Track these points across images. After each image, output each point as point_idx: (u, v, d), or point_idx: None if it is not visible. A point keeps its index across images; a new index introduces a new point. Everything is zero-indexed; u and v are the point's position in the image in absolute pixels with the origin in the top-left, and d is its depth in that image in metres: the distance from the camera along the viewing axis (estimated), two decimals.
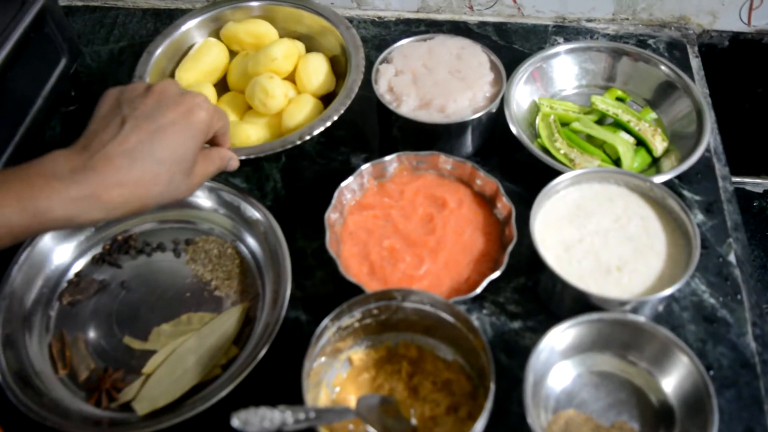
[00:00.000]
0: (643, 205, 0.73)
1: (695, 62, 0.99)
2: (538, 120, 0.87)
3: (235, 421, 0.49)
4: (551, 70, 0.91)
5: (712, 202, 0.81)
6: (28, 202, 0.52)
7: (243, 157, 0.78)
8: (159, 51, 0.92)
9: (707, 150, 0.86)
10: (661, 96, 0.88)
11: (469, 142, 0.83)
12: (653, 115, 0.87)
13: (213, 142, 0.67)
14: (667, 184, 0.75)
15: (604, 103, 0.86)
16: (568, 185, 0.74)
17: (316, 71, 0.88)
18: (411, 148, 0.78)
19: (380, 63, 0.85)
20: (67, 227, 0.57)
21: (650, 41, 1.01)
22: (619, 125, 0.85)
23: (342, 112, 0.82)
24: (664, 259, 0.69)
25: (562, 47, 0.91)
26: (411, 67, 0.81)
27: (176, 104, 0.60)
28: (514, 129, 0.81)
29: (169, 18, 1.08)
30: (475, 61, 0.83)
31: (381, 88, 0.82)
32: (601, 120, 0.87)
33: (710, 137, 0.81)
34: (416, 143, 0.79)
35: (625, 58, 0.90)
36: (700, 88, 0.94)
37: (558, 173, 0.73)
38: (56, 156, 0.55)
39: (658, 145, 0.83)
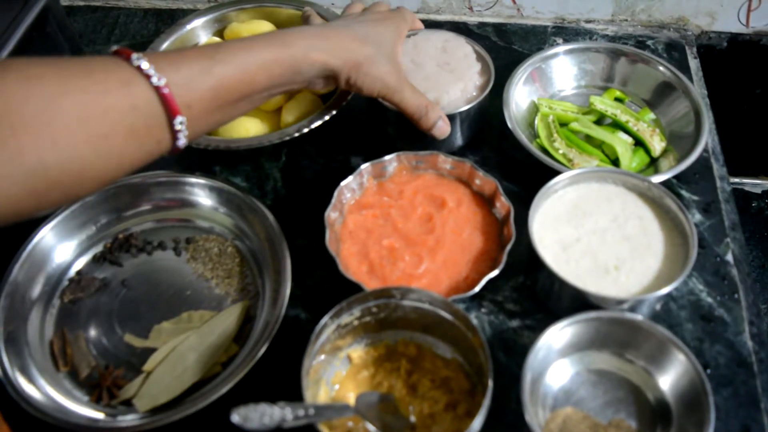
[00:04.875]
0: (641, 205, 0.73)
1: (694, 63, 0.99)
2: (537, 120, 0.87)
3: (235, 417, 0.50)
4: (550, 70, 0.91)
5: (709, 202, 0.82)
6: (273, 41, 0.65)
7: (243, 149, 0.80)
8: (162, 48, 0.92)
9: (705, 150, 0.86)
10: (659, 96, 0.89)
11: (465, 133, 0.84)
12: (651, 115, 0.88)
13: None
14: (665, 184, 0.76)
15: (603, 104, 0.86)
16: (567, 185, 0.74)
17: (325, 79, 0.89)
18: (407, 144, 0.78)
19: None
20: (304, 69, 0.67)
21: (649, 42, 1.01)
22: (617, 125, 0.85)
23: (342, 105, 0.83)
24: (662, 258, 0.69)
25: (561, 48, 0.91)
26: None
27: (379, 12, 0.80)
28: (512, 129, 0.81)
29: (171, 18, 1.08)
30: (461, 53, 0.84)
31: None
32: (600, 120, 0.87)
33: (708, 137, 0.82)
34: (413, 138, 0.80)
35: (623, 59, 0.91)
36: (698, 88, 0.95)
37: (557, 173, 0.74)
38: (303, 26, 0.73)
39: (657, 145, 0.83)
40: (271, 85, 0.65)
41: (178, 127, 0.56)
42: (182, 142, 0.57)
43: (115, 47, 0.56)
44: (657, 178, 0.76)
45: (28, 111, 0.48)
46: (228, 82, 0.60)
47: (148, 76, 0.53)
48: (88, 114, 0.50)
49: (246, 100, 0.63)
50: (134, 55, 0.54)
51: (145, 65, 0.54)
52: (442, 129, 0.78)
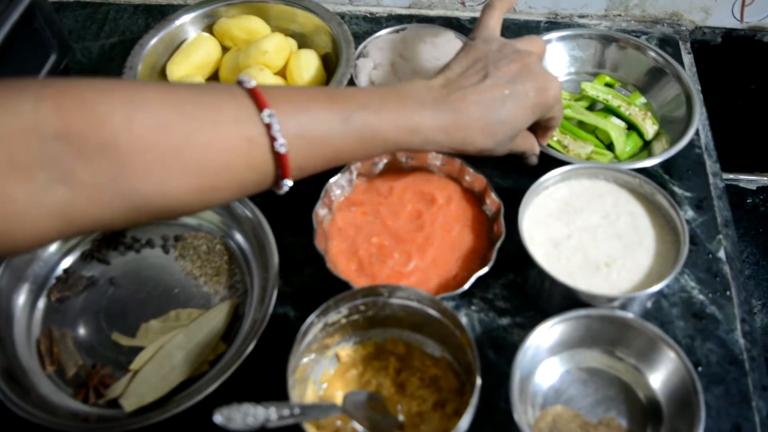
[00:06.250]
0: (633, 202, 0.72)
1: (687, 58, 0.99)
2: None
3: (218, 418, 0.49)
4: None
5: (702, 199, 0.81)
6: (401, 120, 0.60)
7: None
8: (151, 44, 0.91)
9: (698, 146, 0.86)
10: (650, 81, 0.89)
11: None
12: (642, 99, 0.88)
13: (536, 128, 0.74)
14: (659, 178, 0.75)
15: (594, 89, 0.86)
16: (557, 181, 0.74)
17: (308, 66, 0.88)
18: None
19: (357, 58, 0.84)
20: (414, 149, 0.64)
21: (643, 38, 1.01)
22: (609, 110, 0.86)
23: None
24: (653, 255, 0.68)
25: (553, 35, 0.92)
26: (389, 59, 0.81)
27: (535, 79, 0.66)
28: None
29: (161, 14, 1.07)
30: (450, 48, 0.83)
31: (362, 83, 0.82)
32: (592, 106, 0.88)
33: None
34: None
35: (614, 45, 0.91)
36: (693, 85, 0.94)
37: (551, 160, 0.73)
38: (420, 86, 0.64)
39: (649, 128, 0.83)
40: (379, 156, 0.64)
41: (282, 186, 0.57)
42: (282, 192, 0.58)
43: (252, 83, 0.55)
44: (652, 161, 0.77)
45: (147, 158, 0.48)
46: (345, 154, 0.59)
47: (273, 138, 0.53)
48: (205, 168, 0.51)
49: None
50: (266, 111, 0.53)
51: (275, 125, 0.53)
52: (531, 160, 0.77)
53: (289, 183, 0.56)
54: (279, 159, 0.54)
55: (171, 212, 0.52)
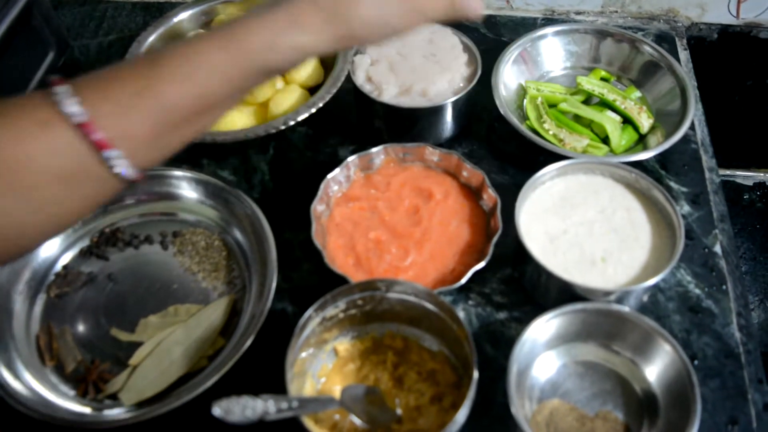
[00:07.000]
0: (629, 196, 0.73)
1: (684, 55, 0.99)
2: (525, 102, 0.87)
3: (217, 410, 0.49)
4: (537, 53, 0.92)
5: (698, 194, 0.81)
6: (226, 40, 0.51)
7: (229, 141, 0.80)
8: (149, 41, 0.92)
9: (694, 142, 0.87)
10: (644, 75, 0.90)
11: (453, 124, 0.84)
12: (637, 93, 0.89)
13: None
14: (655, 173, 0.76)
15: (590, 84, 0.87)
16: (554, 177, 0.74)
17: (304, 64, 0.88)
18: (395, 136, 0.78)
19: (354, 55, 0.85)
20: (273, 64, 0.52)
21: (639, 34, 1.01)
22: (605, 104, 0.86)
23: (327, 99, 0.82)
24: (649, 249, 0.69)
25: (549, 29, 0.92)
26: (386, 56, 0.81)
27: None
28: (503, 111, 0.82)
29: (159, 11, 1.08)
30: (447, 44, 0.84)
31: (359, 79, 0.82)
32: (588, 100, 0.88)
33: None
34: (401, 130, 0.79)
35: (609, 40, 0.92)
36: (689, 81, 0.95)
37: (548, 154, 0.74)
38: (258, 6, 0.54)
39: (644, 122, 0.84)
40: (236, 90, 0.53)
41: (112, 162, 0.48)
42: (129, 171, 0.49)
43: (54, 77, 0.48)
44: (647, 154, 0.77)
45: None
46: (175, 101, 0.50)
47: (67, 114, 0.46)
48: (5, 167, 0.45)
49: (208, 112, 0.53)
50: (56, 89, 0.46)
51: (64, 101, 0.46)
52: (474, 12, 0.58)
53: (116, 154, 0.48)
54: (83, 132, 0.46)
55: (6, 230, 0.47)
